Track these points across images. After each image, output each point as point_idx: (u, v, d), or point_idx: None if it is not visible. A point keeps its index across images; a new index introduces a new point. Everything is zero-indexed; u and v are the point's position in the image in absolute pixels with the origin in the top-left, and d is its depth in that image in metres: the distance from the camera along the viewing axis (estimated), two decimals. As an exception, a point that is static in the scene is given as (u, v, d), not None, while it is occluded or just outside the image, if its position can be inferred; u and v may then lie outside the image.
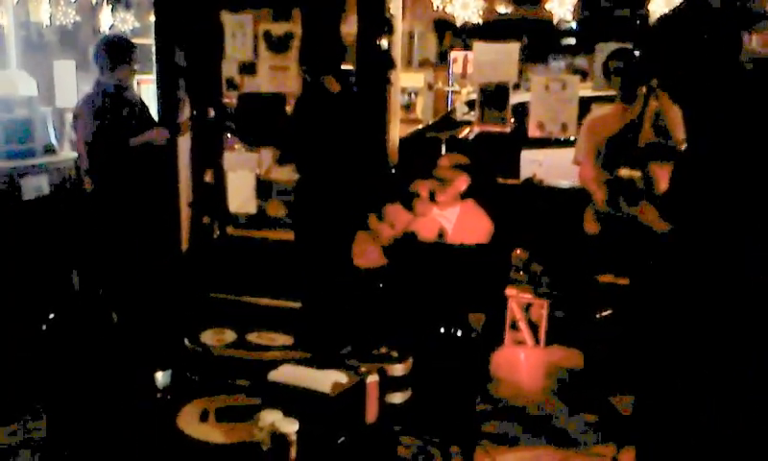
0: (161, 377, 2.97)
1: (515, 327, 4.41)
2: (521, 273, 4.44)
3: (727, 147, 2.15)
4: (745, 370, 2.16)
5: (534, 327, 4.38)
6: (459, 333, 3.46)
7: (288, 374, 2.50)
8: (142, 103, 4.75)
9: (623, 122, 3.77)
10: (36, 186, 4.93)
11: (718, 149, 2.17)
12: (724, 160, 2.15)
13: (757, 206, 2.11)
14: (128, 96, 4.59)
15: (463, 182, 4.03)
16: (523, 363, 4.29)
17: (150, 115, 4.72)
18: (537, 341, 4.37)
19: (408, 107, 11.67)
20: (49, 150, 5.43)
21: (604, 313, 4.08)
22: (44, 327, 2.90)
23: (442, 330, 3.44)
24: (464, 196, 4.07)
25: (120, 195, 4.45)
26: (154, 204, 4.57)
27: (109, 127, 4.40)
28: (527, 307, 4.40)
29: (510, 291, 4.40)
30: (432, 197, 4.07)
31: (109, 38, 4.87)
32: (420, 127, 8.94)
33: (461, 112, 8.29)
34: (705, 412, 2.24)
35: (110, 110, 4.43)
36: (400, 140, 4.72)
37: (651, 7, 5.50)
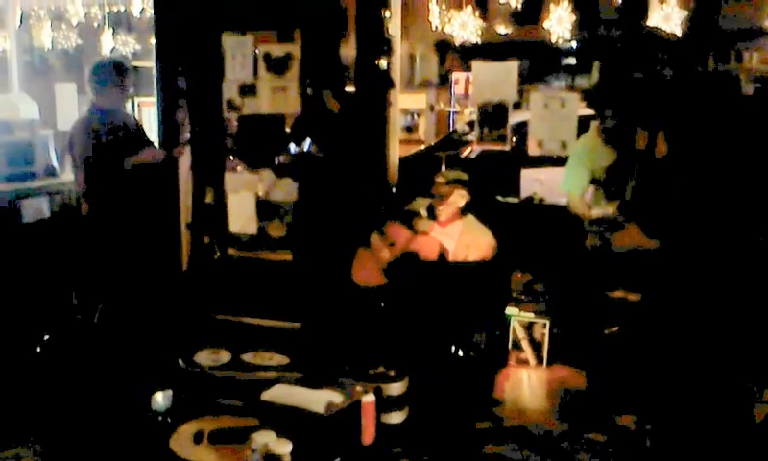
0: (157, 399, 2.93)
1: (517, 346, 4.35)
2: (522, 295, 4.41)
3: (716, 155, 2.14)
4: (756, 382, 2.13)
5: (537, 346, 4.33)
6: (460, 353, 3.42)
7: (281, 393, 2.47)
8: (137, 124, 4.76)
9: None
10: (36, 209, 4.94)
11: (707, 159, 2.16)
12: (713, 168, 2.13)
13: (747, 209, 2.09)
14: (121, 118, 4.60)
15: (461, 197, 4.01)
16: (526, 383, 4.23)
17: (145, 137, 4.73)
18: (540, 360, 4.31)
19: (410, 128, 11.66)
20: (50, 173, 5.44)
21: (611, 330, 4.03)
22: (38, 349, 2.88)
23: (442, 350, 3.40)
24: (464, 213, 4.05)
25: (115, 216, 4.44)
26: (152, 224, 4.55)
27: (103, 149, 4.40)
28: (529, 326, 4.35)
29: (511, 309, 4.35)
30: (432, 214, 4.05)
31: (101, 62, 4.90)
32: (422, 147, 8.95)
33: (462, 132, 8.31)
34: (717, 426, 2.20)
35: (103, 132, 4.43)
36: (401, 160, 4.71)
37: (650, 24, 5.51)
